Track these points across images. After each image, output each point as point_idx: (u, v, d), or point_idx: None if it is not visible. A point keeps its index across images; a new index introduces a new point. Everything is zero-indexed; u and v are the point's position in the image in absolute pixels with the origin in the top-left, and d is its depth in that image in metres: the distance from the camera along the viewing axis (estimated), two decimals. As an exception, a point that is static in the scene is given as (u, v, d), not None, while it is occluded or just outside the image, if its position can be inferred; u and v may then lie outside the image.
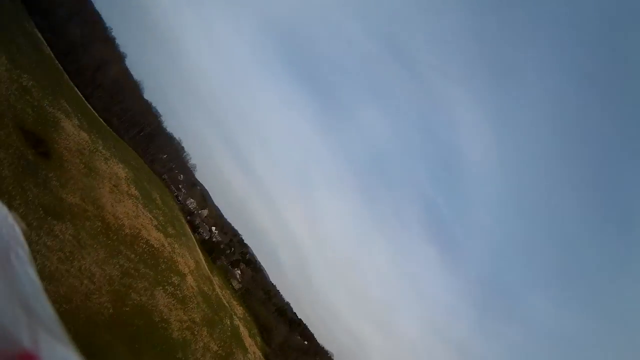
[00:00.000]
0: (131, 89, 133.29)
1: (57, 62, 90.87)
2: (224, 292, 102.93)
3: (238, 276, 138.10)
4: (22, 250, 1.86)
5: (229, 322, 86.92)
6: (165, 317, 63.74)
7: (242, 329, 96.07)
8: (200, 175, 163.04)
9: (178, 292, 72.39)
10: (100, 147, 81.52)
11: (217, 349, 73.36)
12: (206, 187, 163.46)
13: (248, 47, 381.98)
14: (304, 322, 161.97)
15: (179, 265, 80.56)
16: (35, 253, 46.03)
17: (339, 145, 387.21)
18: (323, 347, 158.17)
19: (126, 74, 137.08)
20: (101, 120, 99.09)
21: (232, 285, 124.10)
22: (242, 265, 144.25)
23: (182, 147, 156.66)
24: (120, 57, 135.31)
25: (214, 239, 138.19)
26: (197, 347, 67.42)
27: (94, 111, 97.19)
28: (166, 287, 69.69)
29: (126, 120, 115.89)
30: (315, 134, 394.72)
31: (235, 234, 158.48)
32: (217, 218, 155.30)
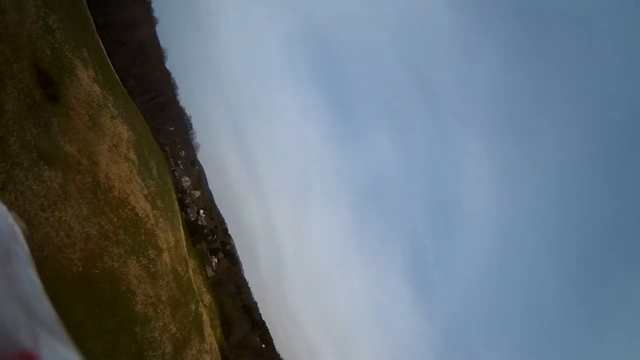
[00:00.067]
0: (155, 54, 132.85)
1: (88, 11, 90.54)
2: (196, 277, 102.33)
3: (214, 264, 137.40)
4: (22, 250, 1.82)
5: (194, 308, 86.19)
6: (132, 288, 63.09)
7: (205, 317, 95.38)
8: (201, 156, 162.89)
9: (151, 266, 71.73)
10: (110, 104, 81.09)
11: (176, 331, 72.64)
12: (204, 169, 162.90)
13: (280, 44, 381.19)
14: (267, 325, 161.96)
15: (159, 240, 79.90)
16: (18, 194, 45.52)
17: (344, 162, 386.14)
18: (279, 355, 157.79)
19: (153, 39, 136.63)
20: (117, 78, 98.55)
21: (206, 272, 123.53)
22: (220, 255, 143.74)
23: (191, 124, 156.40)
24: (151, 21, 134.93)
25: (199, 222, 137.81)
26: (157, 325, 66.72)
27: (112, 67, 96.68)
28: (141, 258, 69.04)
29: (142, 84, 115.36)
30: (324, 146, 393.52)
31: (221, 222, 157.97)
32: (208, 202, 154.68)
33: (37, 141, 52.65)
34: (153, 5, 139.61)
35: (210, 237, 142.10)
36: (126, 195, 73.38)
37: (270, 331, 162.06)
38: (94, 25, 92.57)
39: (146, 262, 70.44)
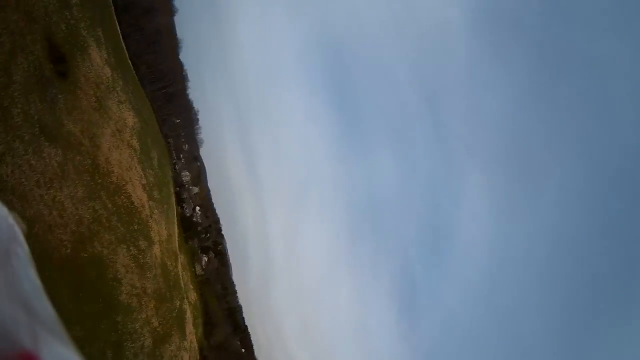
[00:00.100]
0: (170, 44, 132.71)
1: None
2: (184, 273, 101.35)
3: (204, 263, 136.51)
4: (22, 250, 1.82)
5: (178, 304, 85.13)
6: (119, 276, 62.09)
7: (188, 314, 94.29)
8: (204, 152, 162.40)
9: (141, 257, 70.79)
10: (119, 88, 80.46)
11: (158, 325, 71.61)
12: (205, 166, 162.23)
13: (296, 48, 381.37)
14: (249, 330, 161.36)
15: (151, 232, 79.01)
16: (15, 167, 44.68)
17: (345, 176, 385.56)
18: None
19: (170, 28, 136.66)
20: (130, 62, 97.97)
21: (194, 269, 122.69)
22: (211, 254, 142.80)
23: (197, 119, 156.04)
24: (170, 10, 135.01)
25: (194, 219, 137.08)
26: (139, 317, 65.67)
27: (125, 51, 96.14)
28: (131, 248, 68.11)
29: (153, 72, 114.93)
30: (327, 157, 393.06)
31: (216, 221, 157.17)
32: (205, 200, 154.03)
33: (41, 116, 51.87)
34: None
35: (204, 235, 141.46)
36: (124, 183, 72.58)
37: (252, 337, 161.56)
38: (112, 7, 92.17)
39: (136, 252, 69.52)
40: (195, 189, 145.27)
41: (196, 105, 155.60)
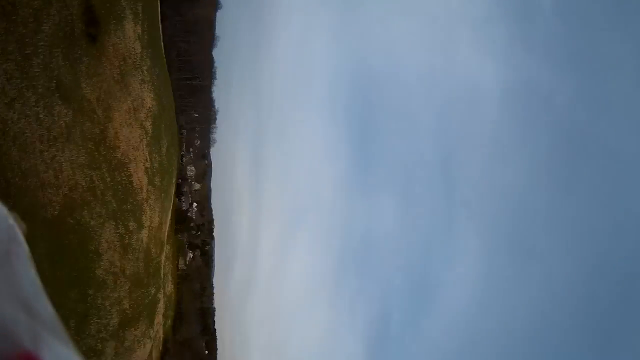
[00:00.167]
0: (206, 37, 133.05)
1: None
2: (167, 264, 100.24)
3: (188, 259, 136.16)
4: (22, 251, 1.80)
5: (153, 292, 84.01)
6: (100, 251, 61.25)
7: (161, 305, 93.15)
8: (214, 152, 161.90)
9: (127, 237, 70.01)
10: (145, 67, 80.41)
11: (128, 308, 70.54)
12: (212, 166, 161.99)
13: (327, 75, 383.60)
14: (217, 334, 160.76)
15: (144, 215, 78.32)
16: (22, 115, 44.39)
17: (344, 212, 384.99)
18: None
19: (211, 21, 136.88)
20: (162, 44, 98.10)
21: (178, 262, 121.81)
22: (197, 252, 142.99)
23: (215, 118, 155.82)
24: (215, 4, 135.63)
25: (189, 214, 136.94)
26: (111, 295, 64.63)
27: (161, 33, 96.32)
28: (119, 226, 67.37)
29: (183, 61, 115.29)
30: (331, 188, 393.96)
31: (210, 221, 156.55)
32: (204, 198, 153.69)
33: (61, 73, 51.69)
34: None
35: (194, 232, 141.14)
36: (128, 161, 72.15)
37: (218, 341, 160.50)
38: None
39: (123, 231, 68.75)
40: (197, 185, 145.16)
41: (217, 104, 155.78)
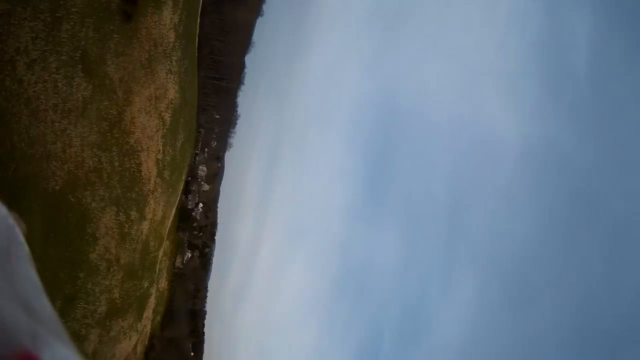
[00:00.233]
0: (241, 41, 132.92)
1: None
2: (164, 260, 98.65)
3: (186, 258, 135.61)
4: (22, 250, 1.91)
5: (146, 285, 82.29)
6: (97, 235, 59.74)
7: (152, 300, 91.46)
8: (228, 156, 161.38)
9: (126, 226, 68.53)
10: (175, 58, 79.50)
11: (118, 297, 68.89)
12: (224, 170, 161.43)
13: (353, 103, 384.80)
14: (205, 337, 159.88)
15: (147, 207, 76.89)
16: (40, 79, 43.30)
17: (348, 237, 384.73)
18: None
19: (250, 26, 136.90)
20: (197, 39, 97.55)
21: (175, 260, 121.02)
22: (196, 253, 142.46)
23: (235, 123, 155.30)
24: (257, 10, 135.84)
25: (193, 213, 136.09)
26: (102, 282, 62.96)
27: (197, 27, 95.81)
28: (120, 213, 65.96)
29: (215, 60, 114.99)
30: (338, 212, 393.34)
31: (213, 224, 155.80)
32: (211, 200, 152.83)
33: (88, 44, 50.74)
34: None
35: (196, 232, 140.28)
36: (140, 149, 70.99)
37: (205, 345, 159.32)
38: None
39: (124, 219, 67.29)
40: (206, 186, 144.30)
41: (240, 109, 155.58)
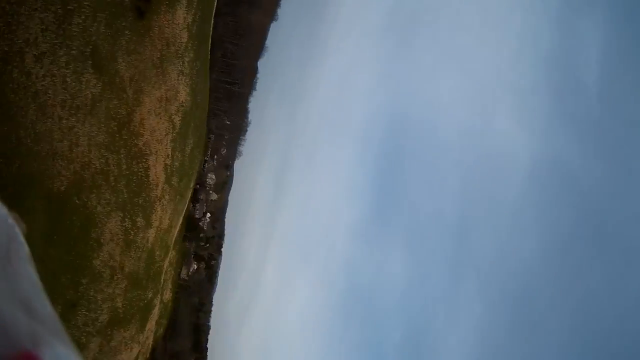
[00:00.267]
0: (255, 45, 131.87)
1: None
2: (169, 269, 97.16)
3: (191, 270, 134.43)
4: (22, 250, 1.93)
5: (150, 296, 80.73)
6: (102, 240, 58.15)
7: (155, 311, 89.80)
8: (238, 165, 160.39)
9: (132, 233, 66.98)
10: (187, 59, 78.25)
11: (121, 307, 67.25)
12: (234, 178, 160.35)
13: (365, 115, 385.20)
14: (208, 353, 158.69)
15: (154, 214, 75.36)
16: (48, 73, 41.86)
17: (354, 257, 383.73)
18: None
19: (264, 30, 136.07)
20: (210, 41, 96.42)
21: (180, 271, 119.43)
22: (202, 265, 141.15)
23: (246, 130, 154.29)
24: (271, 14, 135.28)
25: (200, 223, 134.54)
26: (105, 290, 61.34)
27: (211, 28, 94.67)
28: (126, 219, 64.45)
29: (227, 64, 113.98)
30: (346, 231, 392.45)
31: (220, 235, 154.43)
32: (218, 210, 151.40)
33: (99, 40, 49.39)
34: (283, 3, 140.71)
35: (203, 243, 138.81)
36: (148, 152, 69.57)
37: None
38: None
39: (130, 225, 65.77)
40: (215, 196, 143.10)
41: (251, 116, 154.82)
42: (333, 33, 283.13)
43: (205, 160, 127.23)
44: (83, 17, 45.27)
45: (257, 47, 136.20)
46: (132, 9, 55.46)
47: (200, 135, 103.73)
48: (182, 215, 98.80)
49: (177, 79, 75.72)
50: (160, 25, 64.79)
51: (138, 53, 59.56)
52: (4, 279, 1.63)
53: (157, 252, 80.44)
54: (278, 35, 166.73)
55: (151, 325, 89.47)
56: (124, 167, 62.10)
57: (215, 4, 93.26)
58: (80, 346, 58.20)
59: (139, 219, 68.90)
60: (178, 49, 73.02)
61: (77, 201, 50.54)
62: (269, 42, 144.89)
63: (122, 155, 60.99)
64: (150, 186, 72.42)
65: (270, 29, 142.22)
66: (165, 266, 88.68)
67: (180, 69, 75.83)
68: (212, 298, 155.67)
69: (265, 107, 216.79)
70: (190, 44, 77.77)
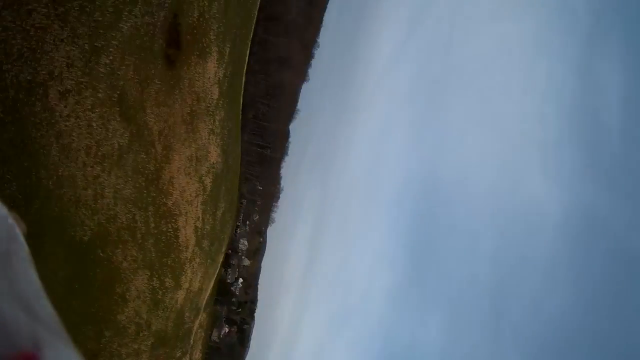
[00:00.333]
0: (286, 107, 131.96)
1: (256, 10, 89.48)
2: (199, 331, 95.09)
3: (223, 333, 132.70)
4: (22, 250, 1.95)
5: (178, 355, 77.88)
6: (127, 297, 56.24)
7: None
8: (271, 231, 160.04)
9: (160, 293, 65.01)
10: (218, 118, 77.43)
11: (147, 363, 64.93)
12: (267, 245, 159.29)
13: (398, 180, 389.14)
14: None
15: (183, 276, 73.42)
16: (73, 113, 40.69)
17: (389, 323, 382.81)
18: None
19: (295, 92, 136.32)
20: (241, 98, 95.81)
21: (211, 333, 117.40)
22: (234, 329, 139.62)
23: (278, 197, 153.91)
24: (303, 74, 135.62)
25: (232, 288, 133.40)
26: (131, 345, 58.80)
27: (243, 84, 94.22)
28: (154, 278, 62.66)
29: (259, 125, 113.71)
30: (381, 296, 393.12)
31: (253, 301, 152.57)
32: (251, 277, 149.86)
33: (127, 85, 48.51)
34: (314, 62, 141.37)
35: (234, 308, 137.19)
36: (178, 213, 68.21)
37: None
38: (252, 31, 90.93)
39: (158, 285, 63.90)
40: (247, 262, 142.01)
41: (283, 182, 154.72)
42: (362, 95, 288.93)
43: (237, 225, 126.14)
44: (111, 57, 44.44)
45: (289, 109, 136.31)
46: (162, 57, 54.75)
47: (232, 200, 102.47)
48: (214, 280, 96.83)
49: (208, 138, 74.83)
50: (190, 78, 64.15)
51: (167, 106, 58.68)
52: (4, 279, 1.62)
53: (187, 314, 78.20)
54: (310, 97, 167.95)
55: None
56: (152, 225, 60.67)
57: (247, 59, 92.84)
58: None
59: (167, 279, 67.14)
60: (209, 105, 72.33)
61: (101, 254, 48.99)
62: (300, 104, 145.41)
63: (150, 213, 59.63)
64: (180, 248, 70.85)
65: (302, 90, 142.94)
66: (195, 327, 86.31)
67: (211, 127, 75.03)
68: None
69: (297, 173, 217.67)
70: (221, 102, 77.13)
